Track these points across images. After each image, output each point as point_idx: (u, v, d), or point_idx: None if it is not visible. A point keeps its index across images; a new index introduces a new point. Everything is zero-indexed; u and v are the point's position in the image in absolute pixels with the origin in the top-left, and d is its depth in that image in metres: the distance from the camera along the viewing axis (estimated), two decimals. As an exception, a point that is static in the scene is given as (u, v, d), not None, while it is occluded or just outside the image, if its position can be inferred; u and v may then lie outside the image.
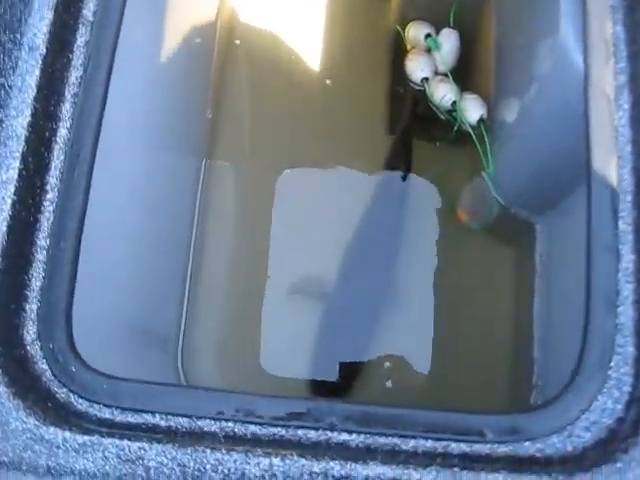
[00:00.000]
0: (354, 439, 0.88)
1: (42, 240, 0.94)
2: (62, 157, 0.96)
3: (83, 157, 0.98)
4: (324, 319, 1.60)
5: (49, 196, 0.95)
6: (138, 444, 0.84)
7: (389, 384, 1.57)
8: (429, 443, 0.88)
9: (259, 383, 1.57)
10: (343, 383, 1.57)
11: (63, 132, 0.97)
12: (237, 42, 1.74)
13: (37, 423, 0.85)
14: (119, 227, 1.28)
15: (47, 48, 0.97)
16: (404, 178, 1.63)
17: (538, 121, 1.37)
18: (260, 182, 1.68)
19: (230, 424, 0.88)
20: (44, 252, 0.94)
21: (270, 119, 1.72)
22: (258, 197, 1.67)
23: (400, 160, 1.64)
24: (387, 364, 1.57)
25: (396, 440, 0.88)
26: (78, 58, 1.00)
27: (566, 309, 1.41)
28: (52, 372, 0.91)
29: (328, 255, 1.63)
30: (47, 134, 0.96)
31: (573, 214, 1.41)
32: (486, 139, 1.51)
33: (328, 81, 1.73)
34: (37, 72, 0.96)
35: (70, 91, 0.99)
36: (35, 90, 0.96)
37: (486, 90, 1.58)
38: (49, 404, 0.88)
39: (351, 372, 1.58)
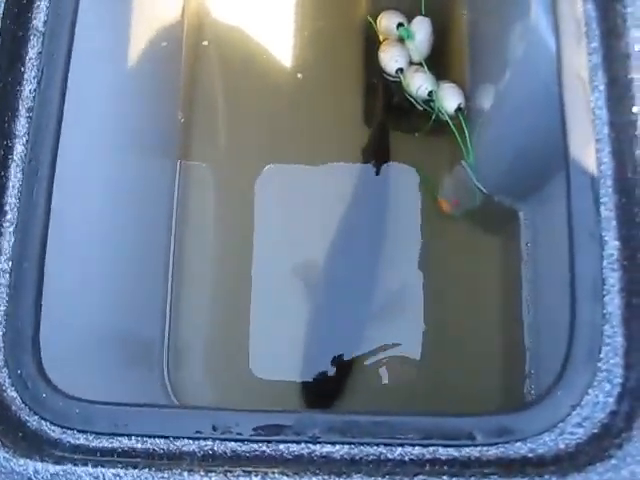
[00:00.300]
0: (338, 450, 0.84)
1: (3, 263, 0.90)
2: (20, 175, 0.92)
3: (42, 174, 0.93)
4: (311, 316, 1.56)
5: (8, 217, 0.90)
6: (112, 471, 0.80)
7: (382, 378, 1.53)
8: (416, 450, 0.84)
9: (249, 387, 1.53)
10: (334, 378, 1.53)
11: (19, 149, 0.92)
12: (205, 43, 1.69)
13: (6, 455, 0.81)
14: (92, 236, 1.23)
15: (-5, 62, 0.93)
16: (383, 169, 1.59)
17: (514, 106, 1.32)
18: (237, 180, 1.64)
19: (209, 442, 0.84)
20: (6, 276, 0.89)
21: (244, 117, 1.68)
22: (236, 196, 1.63)
23: (378, 152, 1.60)
24: (378, 357, 1.53)
25: (382, 449, 0.84)
26: (31, 70, 0.95)
27: (554, 296, 1.37)
28: (22, 399, 0.87)
29: (312, 250, 1.59)
30: (2, 152, 0.92)
31: (556, 200, 1.36)
32: (465, 128, 1.46)
33: (299, 75, 1.68)
34: (-12, 88, 0.92)
35: (24, 105, 0.94)
36: (-13, 107, 0.92)
37: (461, 78, 1.54)
38: (19, 434, 0.84)
39: (342, 368, 1.54)
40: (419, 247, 1.57)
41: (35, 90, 0.94)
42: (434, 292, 1.55)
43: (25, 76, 0.94)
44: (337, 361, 1.54)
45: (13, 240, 0.91)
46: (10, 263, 0.90)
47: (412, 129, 1.60)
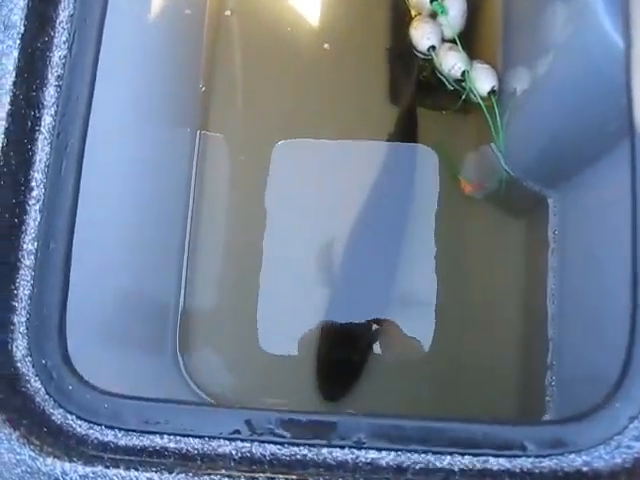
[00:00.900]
0: (384, 457, 0.78)
1: (29, 244, 0.82)
2: (47, 149, 0.83)
3: (71, 147, 0.85)
4: (324, 293, 1.50)
5: (34, 193, 0.82)
6: (147, 475, 0.74)
7: (398, 363, 1.47)
8: (466, 459, 0.78)
9: (257, 361, 1.48)
10: (348, 359, 1.47)
11: (48, 120, 0.84)
12: (227, 13, 1.60)
13: (32, 454, 0.74)
14: (112, 208, 1.15)
15: (25, 26, 0.83)
16: (409, 148, 1.51)
17: (554, 90, 1.25)
18: (257, 153, 1.56)
19: (247, 444, 0.78)
20: (32, 257, 0.82)
21: (265, 89, 1.59)
22: (255, 169, 1.55)
23: (405, 130, 1.52)
24: (393, 341, 1.48)
25: (430, 457, 0.78)
26: (61, 35, 0.86)
27: (582, 287, 1.31)
28: (46, 391, 0.80)
29: (328, 228, 1.52)
30: (29, 123, 0.83)
31: (589, 188, 1.30)
32: (496, 111, 1.38)
33: (326, 45, 1.59)
34: (15, 53, 0.83)
35: (53, 73, 0.85)
36: (14, 74, 0.83)
37: (493, 58, 1.46)
38: (44, 429, 0.77)
39: (355, 349, 1.48)
40: (442, 230, 1.50)
41: (66, 57, 0.85)
42: (455, 277, 1.49)
43: (55, 41, 0.85)
44: (350, 342, 1.48)
45: (39, 219, 0.83)
46: (36, 243, 0.82)
47: (440, 107, 1.52)
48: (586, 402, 1.23)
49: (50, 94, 0.84)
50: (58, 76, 0.85)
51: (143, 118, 1.23)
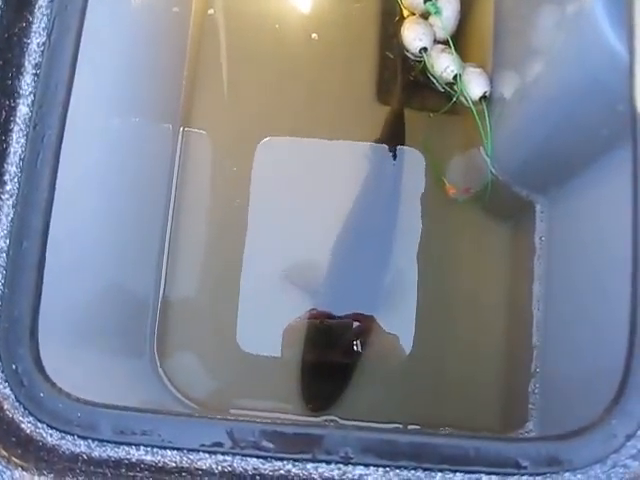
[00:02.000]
0: (371, 473, 0.72)
1: (0, 241, 0.75)
2: (23, 141, 0.77)
3: (48, 139, 0.78)
4: (307, 293, 1.44)
5: (8, 188, 0.76)
6: (120, 490, 0.68)
7: (379, 365, 1.41)
8: (458, 477, 0.73)
9: (235, 359, 1.41)
10: (334, 366, 1.41)
11: (23, 111, 0.77)
12: (211, 12, 1.53)
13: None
14: (90, 204, 1.08)
15: (2, 9, 0.77)
16: (395, 150, 1.46)
17: (546, 96, 1.20)
18: (241, 150, 1.49)
19: (228, 457, 0.72)
20: (3, 255, 0.75)
21: (250, 86, 1.53)
22: (238, 165, 1.49)
23: (392, 131, 1.46)
24: (374, 345, 1.42)
25: (420, 474, 0.72)
26: (40, 21, 0.79)
27: (570, 295, 1.27)
28: (16, 398, 0.73)
29: (310, 227, 1.46)
30: (4, 113, 0.76)
31: (578, 195, 1.26)
32: (486, 116, 1.33)
33: (314, 40, 1.53)
34: (-10, 39, 0.76)
35: (31, 61, 0.78)
36: (-12, 60, 0.76)
37: (484, 60, 1.41)
38: (13, 438, 0.71)
39: (340, 348, 1.41)
40: (427, 234, 1.45)
41: (44, 44, 0.79)
42: (439, 281, 1.44)
43: (33, 27, 0.79)
44: (334, 344, 1.42)
45: (12, 215, 0.76)
46: (7, 241, 0.75)
47: (428, 109, 1.46)
48: (570, 411, 1.20)
49: (27, 83, 0.78)
50: (36, 64, 0.78)
51: (125, 112, 1.16)
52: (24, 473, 0.67)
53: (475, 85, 1.33)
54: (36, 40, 0.78)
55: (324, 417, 1.35)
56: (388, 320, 1.43)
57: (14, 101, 0.77)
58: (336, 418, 1.34)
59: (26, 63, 0.78)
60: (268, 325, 1.43)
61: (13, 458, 0.68)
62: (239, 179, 1.48)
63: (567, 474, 0.73)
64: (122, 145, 1.19)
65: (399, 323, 1.43)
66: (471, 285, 1.44)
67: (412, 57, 1.43)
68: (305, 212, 1.48)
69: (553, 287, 1.33)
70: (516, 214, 1.42)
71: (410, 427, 1.35)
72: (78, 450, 0.71)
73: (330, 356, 1.41)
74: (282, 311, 1.43)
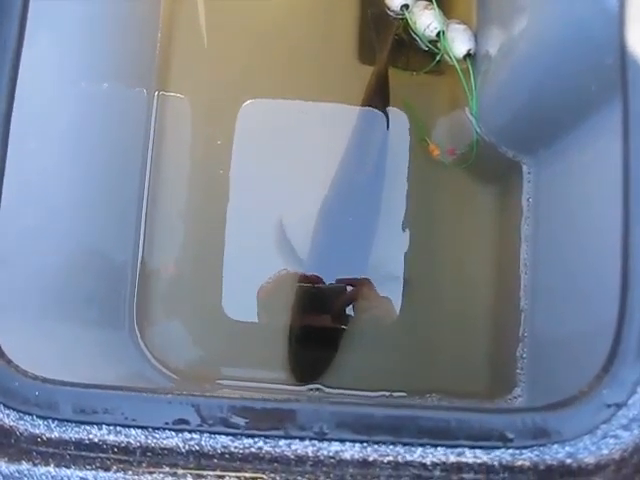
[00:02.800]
0: (348, 449, 0.67)
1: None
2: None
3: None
4: (292, 257, 1.37)
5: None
6: (79, 474, 0.62)
7: (366, 331, 1.35)
8: (440, 451, 0.67)
9: (224, 331, 1.35)
10: (323, 333, 1.35)
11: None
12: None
13: (-53, 450, 0.62)
14: (60, 165, 1.01)
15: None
16: (379, 111, 1.38)
17: (532, 51, 1.12)
18: (218, 114, 1.41)
19: (195, 435, 0.66)
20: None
21: (230, 45, 1.44)
22: (216, 131, 1.41)
23: (376, 91, 1.38)
24: (366, 299, 1.36)
25: (399, 449, 0.67)
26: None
27: (558, 258, 1.21)
28: (-32, 377, 0.68)
29: (293, 190, 1.39)
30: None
31: (567, 155, 1.19)
32: (471, 74, 1.26)
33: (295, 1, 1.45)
34: None
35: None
36: None
37: (468, 17, 1.33)
38: (-36, 420, 0.65)
39: (329, 312, 1.35)
40: (411, 196, 1.38)
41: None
42: (425, 245, 1.37)
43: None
44: (323, 307, 1.35)
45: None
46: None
47: (412, 68, 1.38)
48: (559, 376, 1.15)
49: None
50: (-19, 19, 0.71)
51: (93, 76, 1.08)
52: (-24, 458, 0.62)
53: (459, 42, 1.25)
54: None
55: (309, 386, 1.30)
56: (376, 285, 1.37)
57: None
58: (321, 386, 1.29)
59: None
60: (253, 291, 1.38)
61: (-36, 441, 0.63)
62: (219, 143, 1.41)
63: (555, 446, 0.68)
64: (93, 109, 1.11)
65: (385, 288, 1.37)
66: (457, 248, 1.38)
67: (393, 15, 1.35)
68: (288, 175, 1.40)
69: (541, 250, 1.27)
70: (503, 175, 1.35)
71: (396, 394, 1.30)
72: (37, 431, 0.66)
73: (321, 322, 1.34)
74: (268, 276, 1.37)
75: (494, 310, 1.35)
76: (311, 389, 1.29)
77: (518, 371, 1.29)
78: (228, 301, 1.37)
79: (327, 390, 1.30)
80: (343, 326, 1.34)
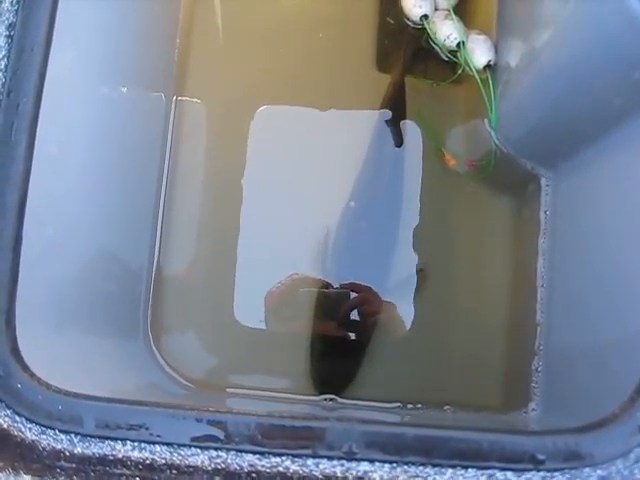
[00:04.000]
0: (377, 470, 0.65)
1: (-28, 219, 0.67)
2: (-5, 109, 0.68)
3: (24, 108, 0.70)
4: (307, 265, 1.34)
5: (-21, 161, 0.68)
6: (105, 492, 0.60)
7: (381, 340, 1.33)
8: (470, 473, 0.65)
9: (234, 337, 1.33)
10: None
11: (-4, 76, 0.69)
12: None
13: (-30, 467, 0.61)
14: (75, 176, 0.99)
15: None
16: (396, 120, 1.37)
17: (555, 63, 1.10)
18: (236, 119, 1.40)
19: (222, 453, 0.64)
20: (-25, 234, 0.67)
21: (247, 50, 1.42)
22: (234, 135, 1.39)
23: (392, 101, 1.36)
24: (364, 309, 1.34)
25: (429, 470, 0.65)
26: (13, -23, 0.70)
27: (576, 271, 1.19)
28: (-9, 389, 0.66)
29: (308, 197, 1.37)
30: (-26, 79, 0.68)
31: (587, 168, 1.17)
32: (491, 85, 1.24)
33: (312, 2, 1.43)
34: (-44, -4, 0.67)
35: (4, 21, 0.69)
36: (-45, 20, 0.67)
37: (488, 27, 1.31)
38: (-13, 434, 0.63)
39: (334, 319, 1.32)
40: (427, 207, 1.36)
41: (18, 3, 0.69)
42: (440, 256, 1.35)
43: (6, -17, 0.70)
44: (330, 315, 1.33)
45: (-15, 191, 0.68)
46: (-20, 219, 0.67)
47: (430, 78, 1.36)
48: (575, 391, 1.13)
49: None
50: (9, 25, 0.69)
51: (114, 80, 1.06)
52: (-1, 474, 0.60)
53: (479, 53, 1.23)
54: (9, -2, 0.69)
55: (323, 396, 1.27)
56: (388, 295, 1.35)
57: (-15, 65, 0.68)
58: (335, 397, 1.27)
59: (-2, 24, 0.69)
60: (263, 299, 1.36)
61: (-13, 457, 0.61)
62: (235, 149, 1.39)
63: (587, 469, 0.66)
64: (113, 114, 1.09)
65: (399, 298, 1.35)
66: (473, 260, 1.36)
67: (412, 25, 1.33)
68: (303, 182, 1.39)
69: (558, 263, 1.25)
70: (520, 187, 1.33)
71: (410, 406, 1.28)
72: (59, 446, 0.64)
73: (329, 330, 1.32)
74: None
75: (509, 323, 1.33)
76: (325, 399, 1.27)
77: (533, 385, 1.26)
78: (241, 308, 1.36)
79: (341, 400, 1.28)
80: (350, 334, 1.33)
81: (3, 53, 0.68)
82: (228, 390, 1.29)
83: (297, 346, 1.32)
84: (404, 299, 1.34)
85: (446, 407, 1.26)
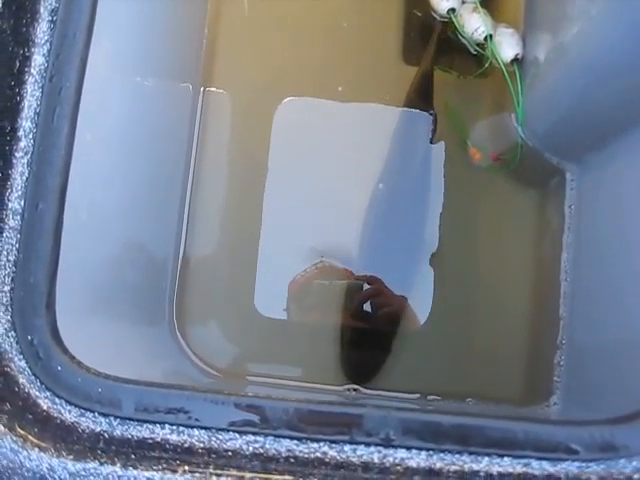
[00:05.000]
0: (414, 457, 0.65)
1: (14, 202, 0.67)
2: (38, 94, 0.68)
3: (66, 93, 0.70)
4: (329, 257, 1.34)
5: (22, 145, 0.67)
6: (147, 474, 0.60)
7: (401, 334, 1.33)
8: (506, 461, 0.65)
9: (255, 326, 1.32)
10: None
11: (39, 61, 0.68)
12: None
13: (15, 446, 0.61)
14: (108, 163, 1.00)
15: (14, -52, 0.68)
16: (423, 113, 1.36)
17: (584, 58, 1.10)
18: (262, 109, 1.39)
19: (260, 438, 0.65)
20: (17, 217, 0.67)
21: (271, 44, 1.42)
22: (260, 126, 1.39)
23: (420, 93, 1.36)
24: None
25: (465, 458, 0.65)
26: (56, -37, 0.70)
27: (602, 265, 1.18)
28: (32, 371, 0.65)
29: (330, 190, 1.37)
30: (18, 63, 0.68)
31: (614, 163, 1.17)
32: (518, 79, 1.24)
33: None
34: (1, -20, 0.67)
35: (47, 7, 0.69)
36: (0, 5, 0.67)
37: (516, 21, 1.30)
38: (29, 416, 0.63)
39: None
40: (451, 200, 1.36)
41: (61, -13, 0.70)
42: (464, 248, 1.35)
43: (49, -31, 0.70)
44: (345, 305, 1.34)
45: (27, 174, 0.68)
46: (22, 202, 0.67)
47: (457, 71, 1.36)
48: (596, 386, 1.13)
49: (42, 30, 0.69)
50: (52, 10, 0.69)
51: (145, 69, 1.06)
52: (42, 454, 0.60)
53: (507, 46, 1.23)
54: (52, -17, 0.69)
55: (346, 386, 1.28)
56: (408, 287, 1.35)
57: (29, 50, 0.68)
58: (358, 387, 1.27)
59: (42, 9, 0.69)
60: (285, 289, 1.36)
61: (30, 437, 0.61)
62: (260, 139, 1.39)
63: (622, 460, 0.66)
64: (144, 104, 1.10)
65: (420, 290, 1.35)
66: (496, 254, 1.35)
67: (439, 18, 1.33)
68: (327, 172, 1.38)
69: (582, 258, 1.25)
70: (545, 182, 1.33)
71: (431, 397, 1.28)
72: (99, 429, 0.64)
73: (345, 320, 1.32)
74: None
75: (532, 316, 1.33)
76: (348, 389, 1.27)
77: (555, 378, 1.26)
78: (264, 297, 1.36)
79: (363, 391, 1.28)
80: (367, 325, 1.33)
81: (46, 38, 0.69)
82: (250, 378, 1.29)
83: (320, 335, 1.32)
84: (426, 290, 1.34)
85: (468, 399, 1.26)
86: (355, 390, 1.26)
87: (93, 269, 0.91)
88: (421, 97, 1.35)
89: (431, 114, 1.36)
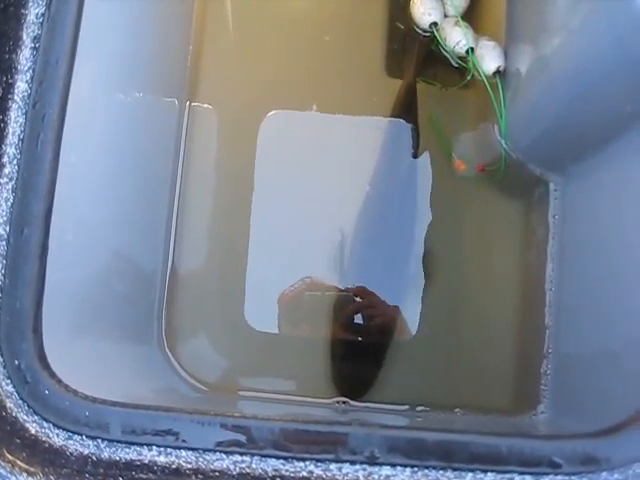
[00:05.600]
0: (398, 474, 0.66)
1: (0, 228, 0.68)
2: (22, 120, 0.69)
3: (49, 118, 0.71)
4: (318, 270, 1.35)
5: (6, 171, 0.68)
6: (133, 497, 0.61)
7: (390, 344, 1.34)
8: (490, 477, 0.66)
9: (245, 340, 1.33)
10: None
11: (22, 87, 0.69)
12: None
13: (2, 472, 0.61)
14: (94, 184, 1.00)
15: (-4, -24, 0.69)
16: (409, 125, 1.38)
17: (566, 70, 1.11)
18: (247, 123, 1.41)
19: (246, 458, 0.65)
20: (3, 243, 0.68)
21: (256, 58, 1.44)
22: (246, 140, 1.40)
23: (403, 105, 1.38)
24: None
25: (450, 474, 0.66)
26: (38, -10, 0.71)
27: (585, 275, 1.20)
28: (19, 396, 0.66)
29: (318, 202, 1.38)
30: (1, 90, 0.68)
31: (597, 173, 1.18)
32: (501, 91, 1.25)
33: (322, 7, 1.45)
34: (-16, 8, 0.68)
35: (29, 34, 0.70)
36: (-18, 33, 0.68)
37: (497, 34, 1.32)
38: (17, 440, 0.64)
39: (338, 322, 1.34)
40: (436, 211, 1.37)
41: (43, 15, 0.71)
42: (450, 259, 1.37)
43: (31, -4, 0.71)
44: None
45: (12, 200, 0.69)
46: (7, 228, 0.68)
47: (440, 83, 1.37)
48: (582, 395, 1.14)
49: (25, 57, 0.70)
50: (35, 37, 0.70)
51: (129, 87, 1.07)
52: (30, 479, 0.61)
53: (489, 59, 1.24)
54: (34, 11, 0.70)
55: (334, 399, 1.29)
56: (397, 298, 1.36)
57: (12, 77, 0.69)
58: (348, 400, 1.28)
59: (24, 36, 0.70)
60: (275, 302, 1.37)
61: (18, 462, 0.62)
62: (246, 153, 1.40)
63: (604, 473, 0.67)
64: (128, 120, 1.10)
65: (409, 301, 1.36)
66: (483, 264, 1.37)
67: (422, 32, 1.34)
68: (314, 186, 1.40)
69: (566, 267, 1.26)
70: (529, 192, 1.35)
71: (419, 408, 1.29)
72: (87, 451, 0.65)
73: (336, 332, 1.33)
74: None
75: (519, 326, 1.34)
76: (338, 402, 1.28)
77: (542, 387, 1.28)
78: (253, 312, 1.36)
79: (353, 403, 1.29)
80: (359, 338, 1.34)
81: (29, 65, 0.70)
82: (241, 393, 1.30)
83: (310, 349, 1.33)
84: (414, 302, 1.35)
85: (456, 410, 1.27)
86: (344, 403, 1.27)
87: (79, 288, 0.91)
88: (405, 109, 1.37)
89: (413, 129, 1.38)
